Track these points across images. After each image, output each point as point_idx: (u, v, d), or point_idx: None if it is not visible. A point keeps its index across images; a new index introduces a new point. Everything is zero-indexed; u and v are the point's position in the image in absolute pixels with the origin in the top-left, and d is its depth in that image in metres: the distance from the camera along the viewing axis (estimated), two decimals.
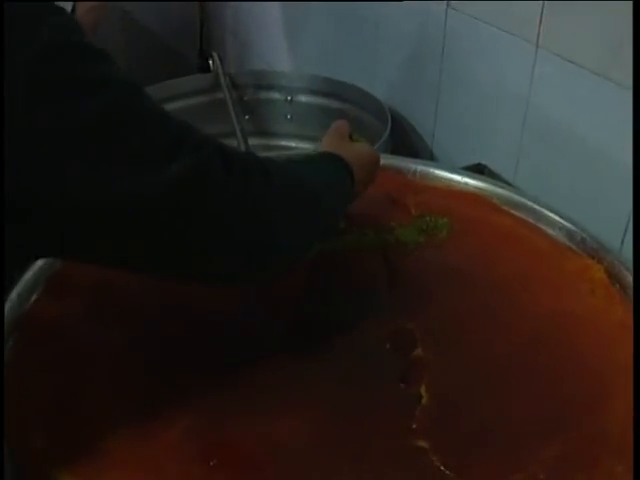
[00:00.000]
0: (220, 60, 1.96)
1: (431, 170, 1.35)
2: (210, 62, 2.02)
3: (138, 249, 0.82)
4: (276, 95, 2.02)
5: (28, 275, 1.12)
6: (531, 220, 1.25)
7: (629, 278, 1.09)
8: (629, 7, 1.14)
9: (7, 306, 1.09)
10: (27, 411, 0.95)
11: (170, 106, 1.97)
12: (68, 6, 1.75)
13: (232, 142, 1.87)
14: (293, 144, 2.02)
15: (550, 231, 1.22)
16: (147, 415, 0.94)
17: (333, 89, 1.91)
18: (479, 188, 1.30)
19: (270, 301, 1.11)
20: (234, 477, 0.87)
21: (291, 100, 2.00)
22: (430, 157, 1.71)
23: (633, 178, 1.16)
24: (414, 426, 0.92)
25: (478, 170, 1.45)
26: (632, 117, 1.16)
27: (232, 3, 2.46)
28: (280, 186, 0.89)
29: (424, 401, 0.95)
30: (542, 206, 1.24)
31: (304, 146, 2.00)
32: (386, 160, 1.38)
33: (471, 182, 1.31)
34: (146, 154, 0.77)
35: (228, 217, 0.83)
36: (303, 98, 1.99)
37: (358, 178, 1.05)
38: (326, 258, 1.18)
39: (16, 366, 1.00)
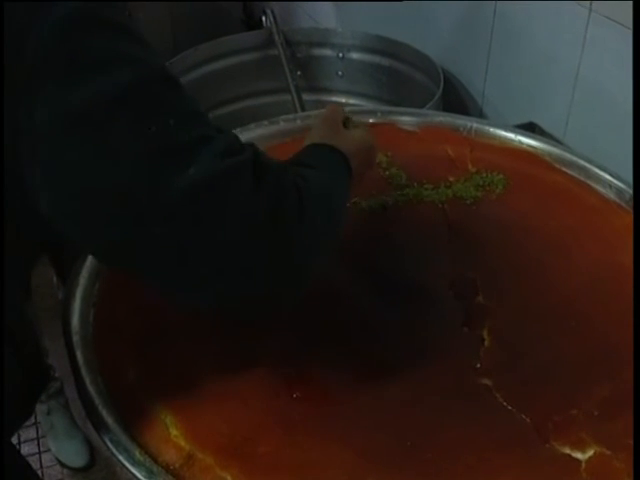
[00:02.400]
0: (274, 17, 2.00)
1: (486, 128, 1.40)
2: (263, 19, 2.06)
3: (141, 252, 0.73)
4: (328, 52, 2.07)
5: None
6: (582, 178, 1.31)
7: None
8: None
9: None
10: (119, 347, 1.03)
11: (224, 62, 2.04)
12: None
13: (286, 98, 1.94)
14: (343, 100, 2.07)
15: (600, 189, 1.28)
16: (232, 352, 1.02)
17: (385, 47, 1.96)
18: (532, 146, 1.36)
19: (336, 253, 1.17)
20: (314, 409, 0.96)
21: (342, 57, 2.05)
22: (480, 115, 1.76)
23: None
24: (478, 366, 1.00)
25: (529, 128, 1.51)
26: None
27: None
28: (311, 215, 0.79)
29: (486, 343, 1.03)
30: (593, 165, 1.30)
31: (354, 102, 2.06)
32: (442, 117, 1.45)
33: (525, 140, 1.37)
34: (158, 149, 0.68)
35: (244, 239, 0.73)
36: (354, 55, 2.04)
37: (354, 168, 0.96)
38: (388, 211, 1.25)
39: (106, 306, 1.09)
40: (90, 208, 0.70)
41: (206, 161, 0.70)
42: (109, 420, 0.92)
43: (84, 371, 0.98)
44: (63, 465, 2.15)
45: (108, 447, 0.90)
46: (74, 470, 2.15)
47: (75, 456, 2.15)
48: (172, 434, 0.92)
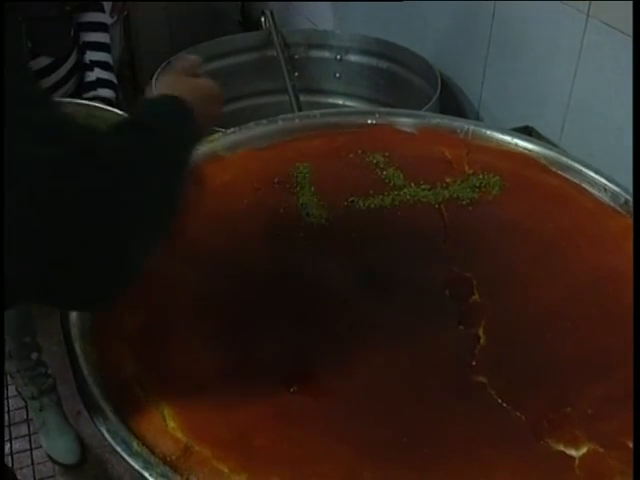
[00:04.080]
0: (273, 18, 2.01)
1: (483, 130, 1.41)
2: (262, 20, 2.07)
3: None
4: (326, 54, 2.08)
5: None
6: (577, 181, 1.31)
7: None
8: None
9: None
10: (118, 340, 1.04)
11: (222, 62, 2.05)
12: None
13: (283, 99, 1.95)
14: (340, 102, 2.09)
15: (595, 192, 1.29)
16: (231, 346, 1.03)
17: (382, 50, 1.97)
18: (528, 149, 1.37)
19: (334, 252, 1.20)
20: (312, 403, 0.97)
21: (340, 59, 2.06)
22: (476, 119, 1.77)
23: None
24: (473, 363, 1.01)
25: (526, 132, 1.52)
26: None
27: None
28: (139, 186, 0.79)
29: (482, 342, 1.04)
30: (589, 168, 1.31)
31: (351, 104, 2.07)
32: (440, 119, 1.46)
33: (521, 143, 1.38)
34: None
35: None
36: (352, 57, 2.05)
37: (201, 112, 0.95)
38: (386, 211, 1.26)
39: None
40: None
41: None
42: (107, 411, 0.93)
43: (82, 362, 0.98)
44: (55, 462, 2.15)
45: (106, 438, 0.91)
46: (66, 467, 2.15)
47: (67, 453, 2.15)
48: (170, 426, 0.92)
